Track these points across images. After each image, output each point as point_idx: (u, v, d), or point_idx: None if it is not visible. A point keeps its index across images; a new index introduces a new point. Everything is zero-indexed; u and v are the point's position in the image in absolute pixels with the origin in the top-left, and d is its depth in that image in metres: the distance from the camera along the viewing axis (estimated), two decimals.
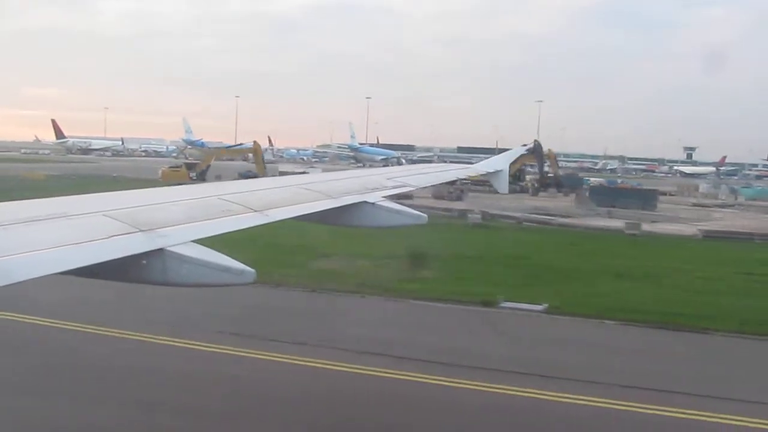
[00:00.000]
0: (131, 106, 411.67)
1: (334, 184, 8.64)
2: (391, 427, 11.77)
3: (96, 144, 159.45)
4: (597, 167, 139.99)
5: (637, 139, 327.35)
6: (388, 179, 9.82)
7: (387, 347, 15.20)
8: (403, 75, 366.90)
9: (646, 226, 40.53)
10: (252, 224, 5.96)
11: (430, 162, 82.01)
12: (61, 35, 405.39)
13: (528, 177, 73.53)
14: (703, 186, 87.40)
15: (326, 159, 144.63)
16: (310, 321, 17.91)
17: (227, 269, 4.88)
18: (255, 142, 75.91)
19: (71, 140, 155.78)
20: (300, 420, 11.73)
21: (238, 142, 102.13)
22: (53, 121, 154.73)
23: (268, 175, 58.44)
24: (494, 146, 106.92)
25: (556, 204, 57.29)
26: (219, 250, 4.97)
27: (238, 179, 37.83)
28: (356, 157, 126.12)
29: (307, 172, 43.77)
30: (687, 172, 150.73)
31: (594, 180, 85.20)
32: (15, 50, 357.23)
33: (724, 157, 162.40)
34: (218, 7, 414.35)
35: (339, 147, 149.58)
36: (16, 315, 15.49)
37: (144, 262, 4.64)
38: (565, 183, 72.48)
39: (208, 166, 72.97)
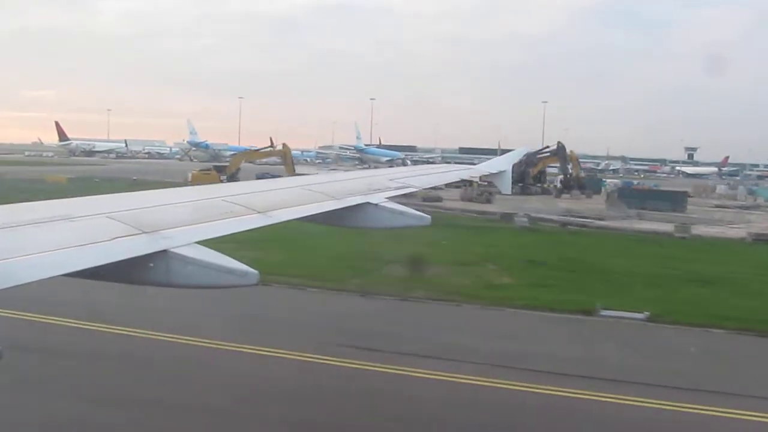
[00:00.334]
0: (132, 107, 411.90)
1: (336, 185, 8.66)
2: None
3: (100, 146, 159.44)
4: (599, 168, 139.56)
5: (638, 139, 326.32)
6: (390, 180, 9.82)
7: (516, 360, 14.85)
8: (403, 75, 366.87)
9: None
10: (255, 226, 5.95)
11: (433, 163, 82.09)
12: (61, 35, 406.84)
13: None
14: (721, 187, 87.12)
15: (329, 160, 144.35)
16: (429, 332, 17.40)
17: (231, 271, 4.85)
18: (284, 144, 73.85)
19: (75, 142, 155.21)
20: None
21: (250, 144, 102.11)
22: (57, 123, 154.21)
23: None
24: (496, 147, 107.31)
25: (584, 206, 56.10)
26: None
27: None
28: (362, 158, 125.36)
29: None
30: (689, 172, 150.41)
31: (610, 181, 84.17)
32: (15, 51, 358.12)
33: (727, 158, 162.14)
34: (218, 6, 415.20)
35: (343, 148, 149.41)
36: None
37: (151, 264, 4.62)
38: (588, 185, 72.20)
39: (238, 169, 70.73)
